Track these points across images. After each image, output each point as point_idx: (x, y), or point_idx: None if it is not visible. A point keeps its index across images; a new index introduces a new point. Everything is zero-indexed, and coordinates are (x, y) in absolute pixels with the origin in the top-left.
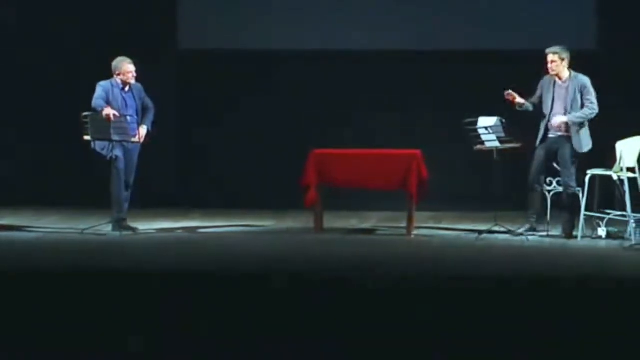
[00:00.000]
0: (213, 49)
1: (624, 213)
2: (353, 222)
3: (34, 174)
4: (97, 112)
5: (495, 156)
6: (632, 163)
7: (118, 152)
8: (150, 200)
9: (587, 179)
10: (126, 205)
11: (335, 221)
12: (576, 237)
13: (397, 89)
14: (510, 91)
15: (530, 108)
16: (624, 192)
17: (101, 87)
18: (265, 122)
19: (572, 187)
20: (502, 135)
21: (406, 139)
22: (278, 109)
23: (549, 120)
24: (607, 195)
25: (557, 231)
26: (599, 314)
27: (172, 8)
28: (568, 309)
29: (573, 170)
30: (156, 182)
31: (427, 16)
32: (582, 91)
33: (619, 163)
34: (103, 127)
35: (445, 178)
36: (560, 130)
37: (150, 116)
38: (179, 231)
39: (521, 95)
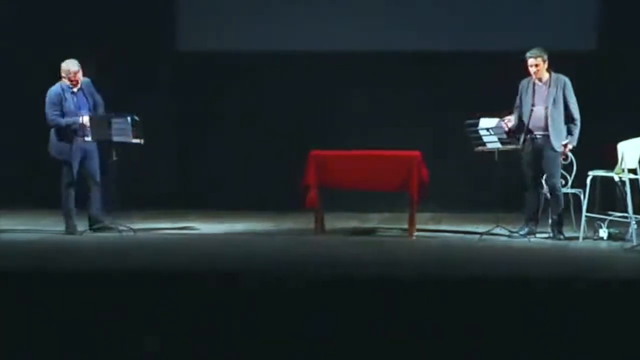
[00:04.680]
0: (211, 50)
1: (625, 214)
2: (354, 223)
3: (32, 176)
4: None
5: (496, 157)
6: (634, 164)
7: (76, 157)
8: (148, 201)
9: (588, 180)
10: (98, 205)
11: (335, 222)
12: (567, 238)
13: (397, 90)
14: (505, 123)
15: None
16: (626, 193)
17: (50, 97)
18: (265, 123)
19: (557, 188)
20: (503, 136)
21: (406, 140)
22: (277, 109)
23: (529, 120)
24: (608, 196)
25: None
26: (599, 315)
27: (170, 10)
28: (569, 310)
29: (558, 170)
30: (155, 183)
31: (429, 16)
32: (565, 92)
33: (621, 164)
34: (103, 128)
35: (446, 179)
36: (540, 129)
37: (101, 111)
38: (178, 232)
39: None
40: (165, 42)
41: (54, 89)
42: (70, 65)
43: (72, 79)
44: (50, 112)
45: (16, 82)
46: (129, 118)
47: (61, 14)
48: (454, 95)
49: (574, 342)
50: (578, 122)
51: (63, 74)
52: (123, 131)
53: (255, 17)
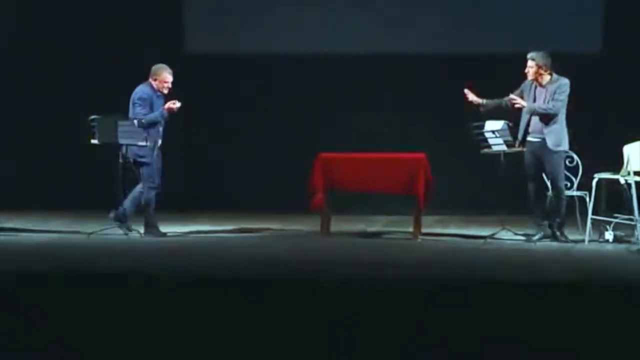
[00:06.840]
0: (218, 52)
1: (631, 217)
2: (360, 225)
3: (41, 177)
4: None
5: (502, 159)
6: (639, 166)
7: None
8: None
9: (594, 182)
10: (127, 205)
11: (342, 225)
12: (573, 241)
13: (403, 92)
14: (466, 90)
15: (501, 105)
16: (631, 195)
17: (142, 96)
18: (271, 125)
19: (561, 189)
20: (509, 138)
21: (412, 142)
22: (284, 111)
23: (528, 123)
24: (614, 199)
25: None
26: (604, 317)
27: (178, 12)
28: (576, 313)
29: (561, 172)
30: (162, 186)
31: (433, 19)
32: (557, 88)
33: (626, 167)
34: (110, 130)
35: (451, 181)
36: (538, 132)
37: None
38: (184, 234)
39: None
40: (172, 43)
41: (145, 89)
42: (167, 74)
43: (161, 86)
44: (142, 112)
45: (20, 83)
46: (135, 121)
47: (66, 16)
48: (460, 97)
49: (579, 345)
50: (543, 110)
51: (155, 78)
52: (130, 134)
53: (262, 20)
